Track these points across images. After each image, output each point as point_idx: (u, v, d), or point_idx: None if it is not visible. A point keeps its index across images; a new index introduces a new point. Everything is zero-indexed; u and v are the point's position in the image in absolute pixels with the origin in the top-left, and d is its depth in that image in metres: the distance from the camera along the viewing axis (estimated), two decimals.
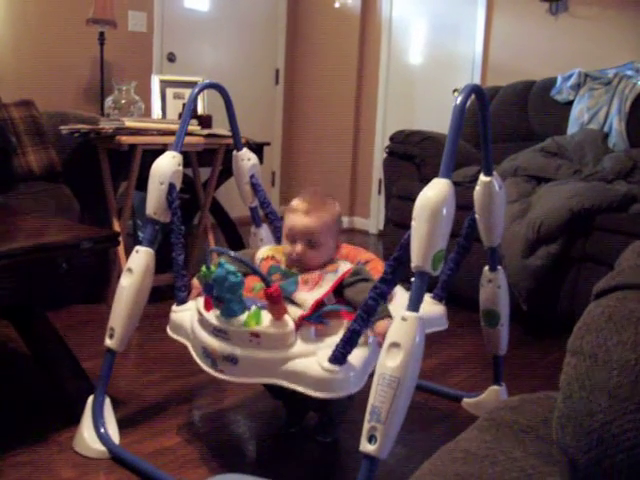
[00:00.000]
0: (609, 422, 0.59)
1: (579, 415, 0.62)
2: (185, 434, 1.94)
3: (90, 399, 1.87)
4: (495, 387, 2.08)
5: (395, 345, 1.33)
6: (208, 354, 1.57)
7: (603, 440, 0.60)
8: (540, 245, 2.80)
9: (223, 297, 1.49)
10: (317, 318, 1.53)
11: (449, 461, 0.74)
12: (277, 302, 1.47)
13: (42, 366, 2.08)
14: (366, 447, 1.33)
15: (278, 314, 1.48)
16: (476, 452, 0.75)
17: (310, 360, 1.46)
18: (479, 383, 2.21)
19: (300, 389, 1.46)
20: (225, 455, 1.85)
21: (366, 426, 1.33)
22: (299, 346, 1.50)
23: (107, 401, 1.88)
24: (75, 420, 1.85)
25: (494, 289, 1.92)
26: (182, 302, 1.85)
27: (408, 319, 1.34)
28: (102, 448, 1.77)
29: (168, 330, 1.83)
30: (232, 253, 1.57)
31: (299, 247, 1.65)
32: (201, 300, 1.64)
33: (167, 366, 2.40)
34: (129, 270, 1.85)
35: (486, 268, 1.94)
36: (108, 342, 1.85)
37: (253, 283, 1.60)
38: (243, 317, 1.50)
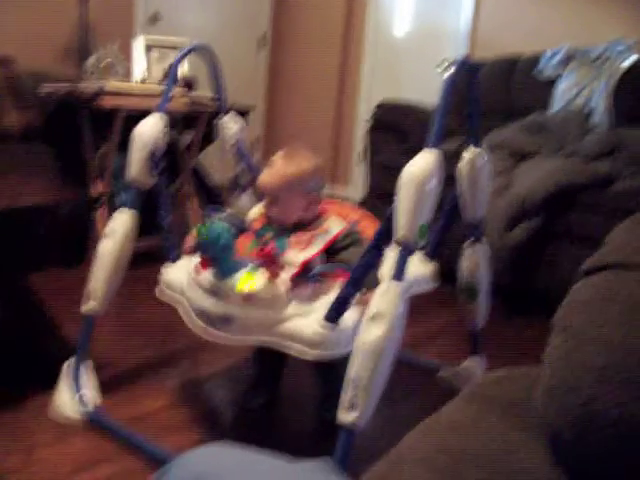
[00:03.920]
0: (594, 398, 0.60)
1: (564, 391, 0.63)
2: (164, 400, 1.94)
3: (67, 363, 1.86)
4: (473, 359, 2.10)
5: (377, 315, 1.33)
6: (201, 315, 1.56)
7: (588, 416, 0.60)
8: (521, 220, 2.81)
9: (217, 257, 1.48)
10: (311, 278, 1.53)
11: (432, 433, 0.75)
12: (273, 261, 1.47)
13: (20, 329, 2.07)
14: (345, 417, 1.34)
15: (274, 273, 1.48)
16: (459, 425, 0.75)
17: (304, 319, 1.47)
18: (457, 354, 2.23)
19: (295, 349, 1.47)
20: (204, 423, 1.85)
21: (345, 395, 1.34)
22: (294, 306, 1.50)
23: (88, 365, 1.88)
24: (53, 384, 1.85)
25: (475, 262, 1.93)
26: (172, 262, 1.84)
27: (390, 289, 1.34)
28: (80, 412, 1.77)
29: (157, 292, 1.82)
30: (226, 213, 1.55)
31: (264, 203, 1.68)
32: (194, 261, 1.63)
33: (147, 331, 2.39)
34: (110, 233, 1.84)
35: (468, 241, 1.94)
36: (87, 306, 1.84)
37: (247, 242, 1.58)
38: (237, 277, 1.49)
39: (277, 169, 1.66)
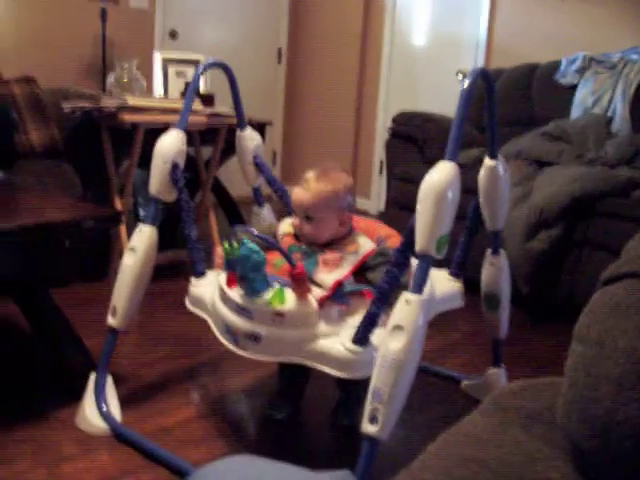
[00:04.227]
0: (614, 410, 0.60)
1: (585, 402, 0.63)
2: (186, 413, 1.95)
3: (92, 376, 1.88)
4: (494, 370, 2.09)
5: (398, 327, 1.33)
6: (230, 331, 1.57)
7: (608, 427, 0.60)
8: (541, 229, 2.80)
9: (247, 276, 1.49)
10: (340, 298, 1.53)
11: (454, 444, 0.75)
12: (302, 282, 1.47)
13: (44, 343, 2.09)
14: (367, 428, 1.34)
15: (302, 294, 1.48)
16: (481, 435, 0.75)
17: (333, 340, 1.47)
18: (479, 365, 2.23)
19: (323, 369, 1.47)
20: (226, 436, 1.86)
21: (368, 407, 1.34)
22: (322, 326, 1.50)
23: (109, 379, 1.90)
24: (77, 397, 1.87)
25: (496, 272, 1.92)
26: (201, 275, 1.85)
27: (411, 302, 1.34)
28: (104, 425, 1.79)
29: (187, 303, 1.83)
30: (256, 232, 1.56)
31: (297, 220, 1.68)
32: (223, 276, 1.64)
33: (169, 345, 2.41)
34: (132, 249, 1.86)
35: (488, 251, 1.94)
36: (110, 321, 1.86)
37: (275, 259, 1.59)
38: (267, 296, 1.50)
39: (314, 188, 1.66)
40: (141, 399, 2.00)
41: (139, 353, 2.35)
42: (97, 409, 1.82)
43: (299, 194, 1.67)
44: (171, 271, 3.00)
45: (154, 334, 2.51)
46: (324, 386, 1.98)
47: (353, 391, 1.88)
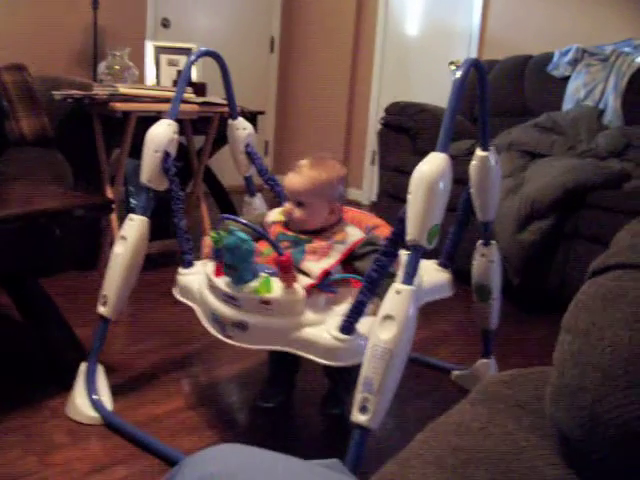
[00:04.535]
0: (601, 399, 0.60)
1: (572, 391, 0.63)
2: (178, 402, 1.95)
3: (82, 366, 1.88)
4: (484, 360, 2.10)
5: (388, 317, 1.34)
6: (217, 320, 1.57)
7: (595, 416, 0.61)
8: (532, 220, 2.81)
9: (235, 265, 1.49)
10: (326, 286, 1.54)
11: (442, 433, 0.75)
12: (288, 270, 1.47)
13: (35, 332, 2.09)
14: (357, 417, 1.35)
15: (289, 282, 1.48)
16: (469, 425, 0.76)
17: (320, 328, 1.48)
18: (469, 356, 2.24)
19: (310, 357, 1.48)
20: (217, 424, 1.87)
21: (358, 397, 1.35)
22: (309, 314, 1.50)
23: (100, 368, 1.90)
24: (67, 387, 1.87)
25: (487, 263, 1.93)
26: (189, 265, 1.85)
27: (402, 292, 1.35)
28: (95, 415, 1.79)
29: (174, 292, 1.84)
30: (243, 220, 1.56)
31: (288, 205, 1.68)
32: (210, 265, 1.64)
33: (160, 334, 2.41)
34: (123, 238, 1.85)
35: (479, 242, 1.95)
36: (101, 310, 1.86)
37: (262, 248, 1.60)
38: (254, 284, 1.50)
39: (308, 174, 1.66)
40: (132, 388, 2.00)
41: (130, 342, 2.36)
42: (88, 398, 1.82)
43: (293, 179, 1.68)
44: (163, 261, 3.00)
45: (145, 323, 2.51)
46: (315, 375, 1.99)
47: (341, 380, 1.89)
